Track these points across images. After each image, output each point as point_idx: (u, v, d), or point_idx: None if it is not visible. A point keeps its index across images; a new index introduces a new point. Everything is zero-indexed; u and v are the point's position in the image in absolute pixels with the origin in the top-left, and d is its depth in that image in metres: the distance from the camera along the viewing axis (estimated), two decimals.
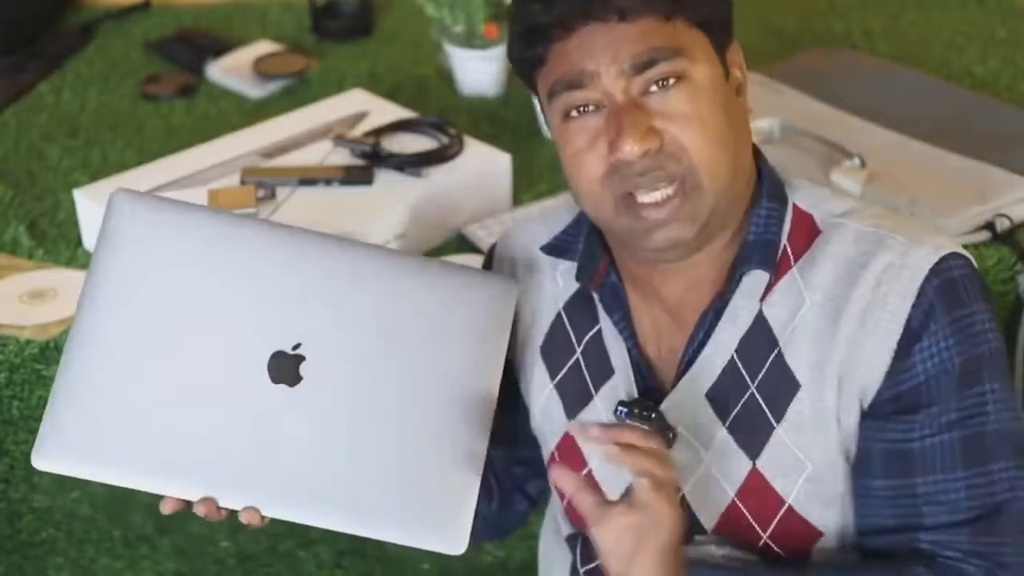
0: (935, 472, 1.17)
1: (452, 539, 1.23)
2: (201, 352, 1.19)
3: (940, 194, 1.67)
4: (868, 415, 1.20)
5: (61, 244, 1.74)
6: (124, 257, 1.20)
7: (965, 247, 1.62)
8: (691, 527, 1.25)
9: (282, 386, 1.20)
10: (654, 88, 1.15)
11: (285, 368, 1.20)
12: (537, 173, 1.86)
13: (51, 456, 1.16)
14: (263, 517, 1.19)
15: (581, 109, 1.17)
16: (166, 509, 1.19)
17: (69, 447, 1.16)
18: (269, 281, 1.22)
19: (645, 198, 1.16)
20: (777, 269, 1.21)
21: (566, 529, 1.38)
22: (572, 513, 1.34)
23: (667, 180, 1.15)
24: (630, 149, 1.14)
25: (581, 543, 1.36)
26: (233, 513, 1.19)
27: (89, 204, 1.69)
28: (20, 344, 1.57)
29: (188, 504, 1.18)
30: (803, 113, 1.86)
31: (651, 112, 1.15)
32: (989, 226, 1.65)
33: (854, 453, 1.22)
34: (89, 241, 1.72)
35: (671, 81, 1.15)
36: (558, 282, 1.33)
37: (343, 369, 1.22)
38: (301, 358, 1.21)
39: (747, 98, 1.23)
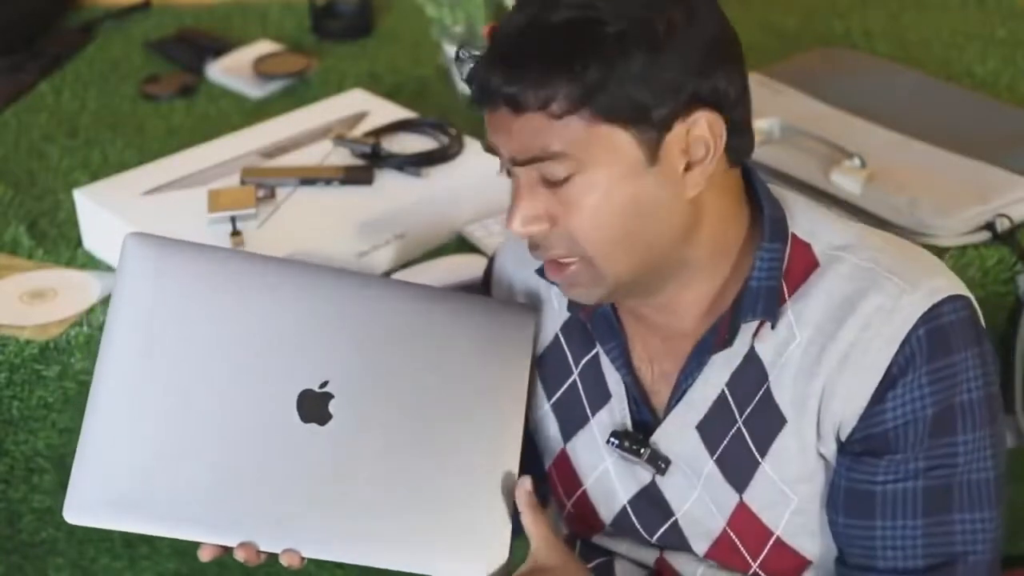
0: (895, 517, 1.17)
1: (491, 567, 1.22)
2: (228, 395, 1.18)
3: (940, 194, 1.67)
4: (840, 451, 1.19)
5: (61, 244, 1.74)
6: (142, 302, 1.19)
7: (965, 247, 1.64)
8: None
9: (312, 425, 1.19)
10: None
11: (314, 407, 1.20)
12: None
13: (83, 510, 1.14)
14: (303, 558, 1.18)
15: (506, 170, 1.17)
16: (205, 557, 1.17)
17: (101, 500, 1.14)
18: (291, 319, 1.21)
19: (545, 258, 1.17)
20: (776, 313, 1.19)
21: (563, 531, 1.39)
22: (569, 518, 1.35)
23: (559, 255, 1.16)
24: (515, 229, 1.14)
25: (579, 545, 1.37)
26: (272, 556, 1.18)
27: (89, 204, 1.68)
28: (20, 344, 1.57)
29: (226, 549, 1.17)
30: (803, 113, 1.86)
31: (544, 197, 1.13)
32: (989, 226, 1.65)
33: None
34: (89, 241, 1.72)
35: (561, 178, 1.11)
36: (554, 303, 1.33)
37: (371, 404, 1.22)
38: (329, 396, 1.20)
39: (710, 165, 1.13)
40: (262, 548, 1.17)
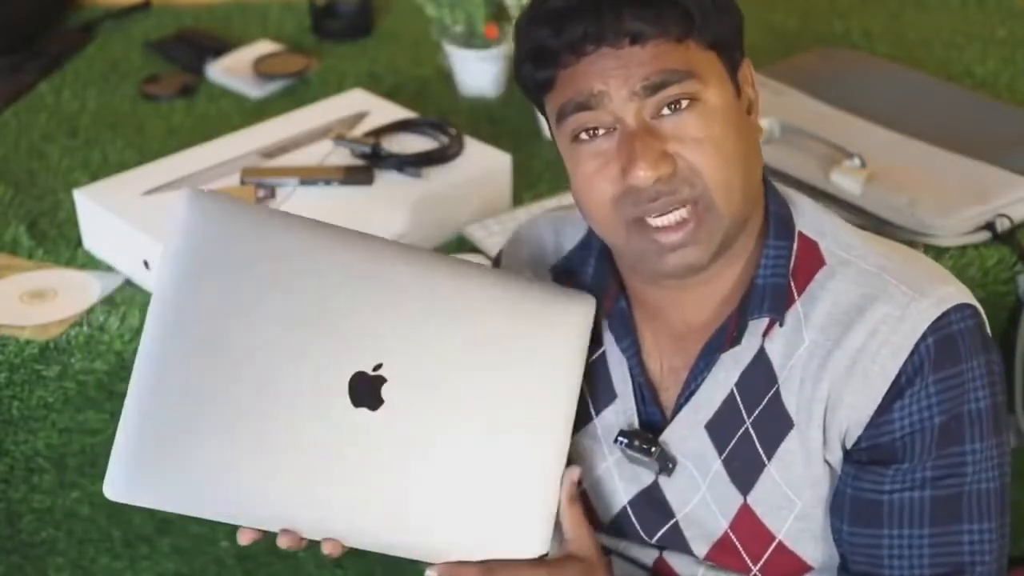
0: (902, 526, 1.17)
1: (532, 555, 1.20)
2: (278, 372, 1.12)
3: (940, 194, 1.67)
4: (846, 459, 1.19)
5: (61, 244, 1.74)
6: (196, 269, 1.12)
7: (965, 247, 1.64)
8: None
9: (363, 410, 1.14)
10: (666, 111, 1.12)
11: (367, 390, 1.14)
12: (537, 173, 1.86)
13: (124, 487, 1.09)
14: (344, 548, 1.16)
15: (591, 132, 1.14)
16: (244, 540, 1.15)
17: (143, 478, 1.09)
18: (347, 293, 1.14)
19: (658, 221, 1.14)
20: (784, 311, 1.19)
21: None
22: None
23: (680, 204, 1.13)
24: (643, 175, 1.11)
25: None
26: (314, 543, 1.15)
27: (89, 204, 1.68)
28: (20, 344, 1.57)
29: (265, 534, 1.14)
30: (803, 113, 1.86)
31: (664, 136, 1.12)
32: (989, 226, 1.65)
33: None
34: (89, 241, 1.72)
35: (684, 104, 1.12)
36: None
37: (424, 389, 1.16)
38: (382, 380, 1.14)
39: (758, 115, 1.21)
40: (304, 535, 1.13)
